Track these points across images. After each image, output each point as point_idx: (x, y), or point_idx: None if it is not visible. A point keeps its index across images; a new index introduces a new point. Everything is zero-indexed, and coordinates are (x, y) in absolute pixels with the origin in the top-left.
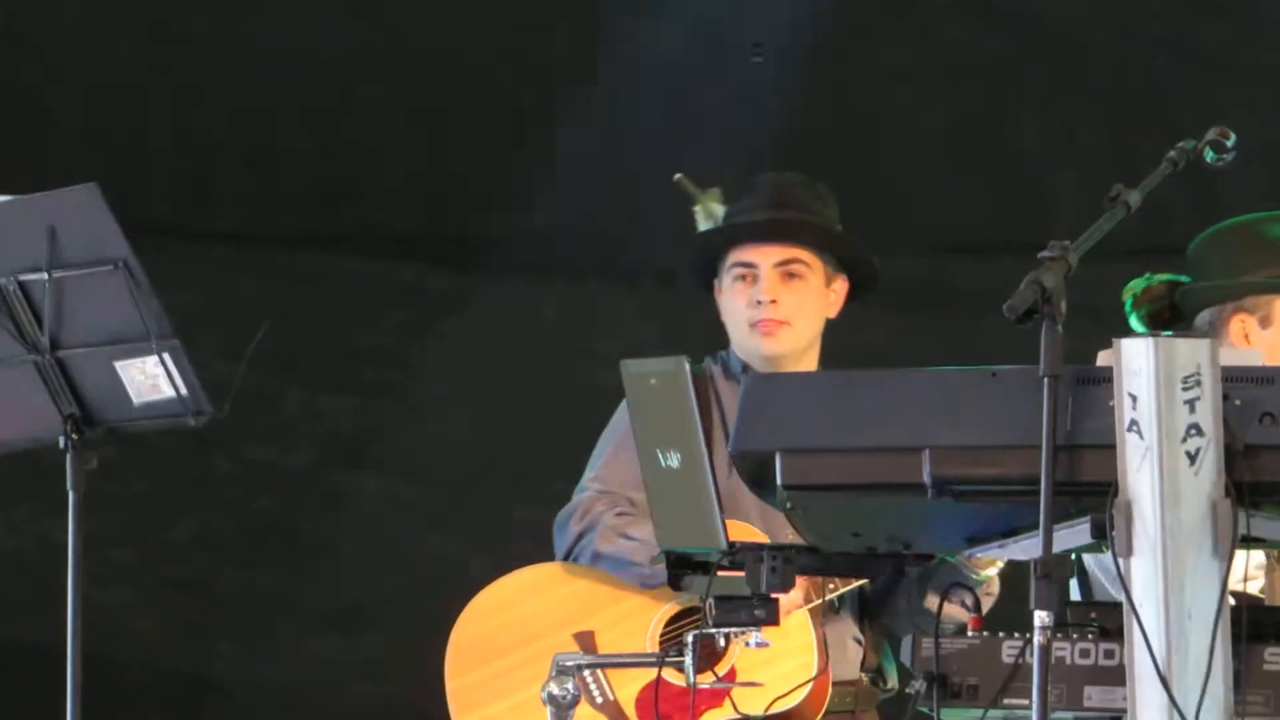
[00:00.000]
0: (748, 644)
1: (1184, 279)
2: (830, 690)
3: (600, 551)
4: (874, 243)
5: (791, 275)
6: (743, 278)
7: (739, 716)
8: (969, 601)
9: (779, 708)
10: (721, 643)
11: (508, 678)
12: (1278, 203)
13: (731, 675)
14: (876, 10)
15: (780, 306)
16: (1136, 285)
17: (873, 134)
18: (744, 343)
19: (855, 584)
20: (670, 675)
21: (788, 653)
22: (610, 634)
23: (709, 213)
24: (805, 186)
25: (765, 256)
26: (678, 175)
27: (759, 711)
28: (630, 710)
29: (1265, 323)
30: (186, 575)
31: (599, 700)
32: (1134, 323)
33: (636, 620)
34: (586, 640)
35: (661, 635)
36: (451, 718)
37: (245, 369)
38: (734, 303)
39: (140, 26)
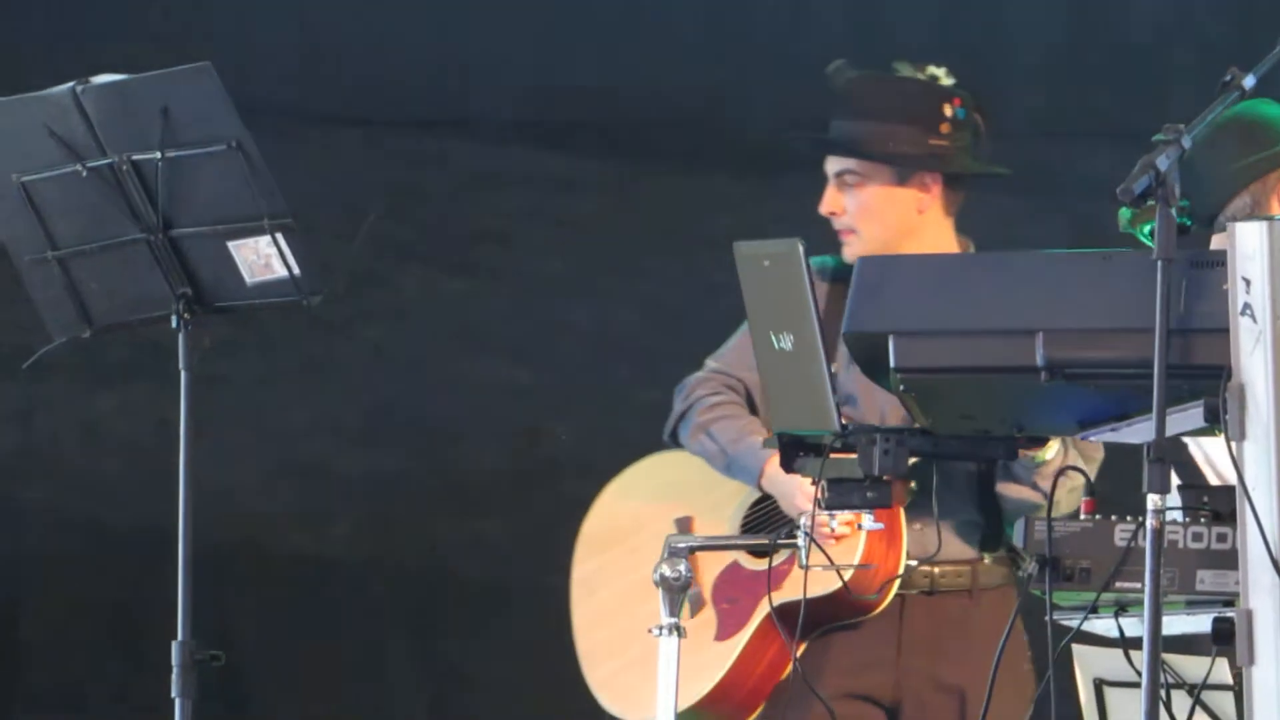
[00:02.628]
0: (859, 526)
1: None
2: (903, 573)
3: (690, 446)
4: (992, 128)
5: (847, 185)
6: (827, 186)
7: (798, 598)
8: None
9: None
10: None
11: (615, 565)
12: None
13: (792, 560)
14: None
15: (842, 217)
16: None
17: (990, 19)
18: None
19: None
20: (744, 560)
21: (854, 537)
22: (704, 520)
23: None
24: (885, 86)
25: (830, 166)
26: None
27: (822, 593)
28: (709, 594)
29: None
30: (302, 458)
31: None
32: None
33: (725, 508)
34: (685, 526)
35: (743, 519)
36: (571, 605)
37: (358, 250)
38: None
39: None
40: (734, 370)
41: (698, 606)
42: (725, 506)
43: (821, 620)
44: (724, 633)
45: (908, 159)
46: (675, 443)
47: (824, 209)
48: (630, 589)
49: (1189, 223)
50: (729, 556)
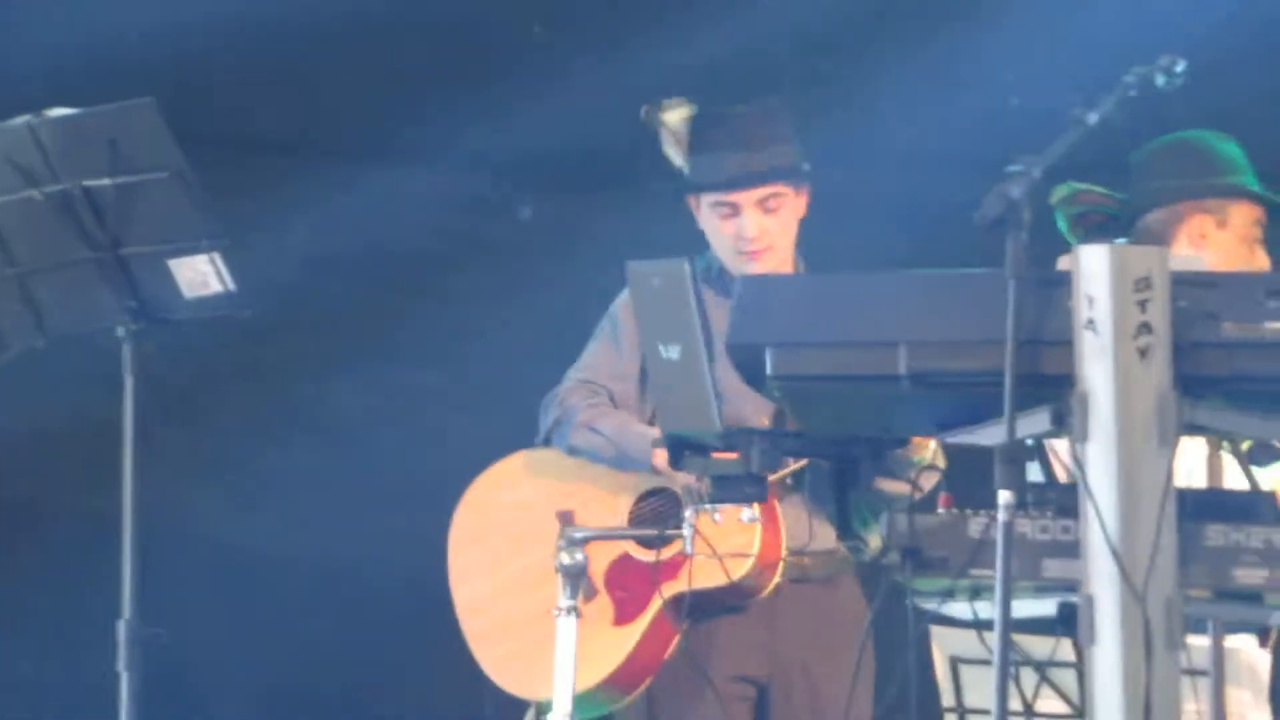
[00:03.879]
0: (740, 518)
1: (1100, 190)
2: (784, 561)
3: (574, 445)
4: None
5: (770, 209)
6: (725, 215)
7: (692, 589)
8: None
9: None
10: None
11: (497, 553)
12: None
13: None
14: None
15: (763, 236)
16: (1061, 190)
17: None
18: (730, 262)
19: (797, 465)
20: (635, 551)
21: (736, 529)
22: (588, 512)
23: (674, 132)
24: (768, 117)
25: (746, 197)
26: (644, 108)
27: (711, 583)
28: (599, 581)
29: (1222, 225)
30: (230, 455)
31: None
32: (1061, 224)
33: (609, 500)
34: (568, 519)
35: (630, 512)
36: (451, 587)
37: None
38: (718, 232)
39: None
40: (599, 379)
41: (590, 594)
42: (609, 500)
43: (712, 606)
44: (622, 618)
45: (807, 174)
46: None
47: (753, 233)
48: (516, 576)
49: (1116, 215)
50: (619, 547)
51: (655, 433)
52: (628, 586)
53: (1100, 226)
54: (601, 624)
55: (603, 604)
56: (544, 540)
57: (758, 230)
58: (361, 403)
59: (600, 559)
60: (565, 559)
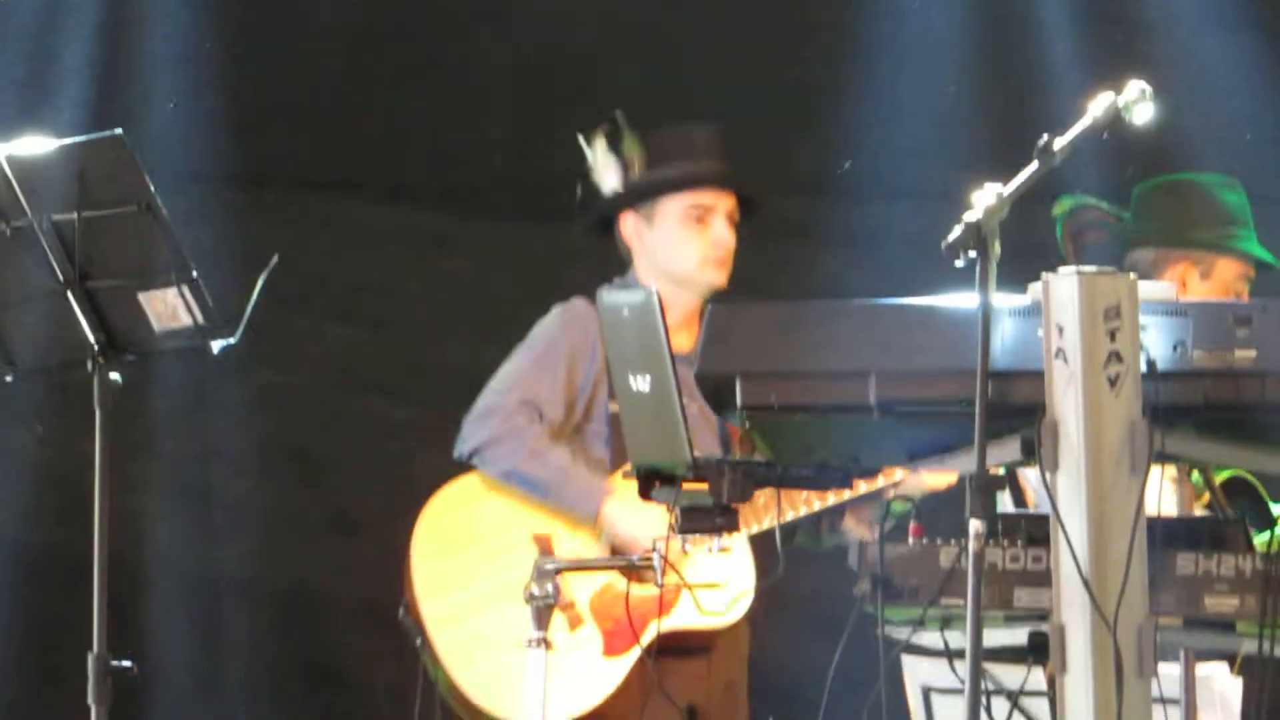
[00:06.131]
0: (709, 549)
1: (1105, 206)
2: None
3: (515, 469)
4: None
5: (732, 220)
6: (698, 219)
7: (685, 624)
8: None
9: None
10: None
11: (470, 569)
12: None
13: (677, 586)
14: None
15: (729, 246)
16: (1065, 203)
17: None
18: (691, 274)
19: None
20: (620, 581)
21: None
22: (566, 539)
23: (618, 153)
24: (718, 133)
25: (722, 202)
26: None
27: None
28: (586, 609)
29: (1205, 275)
30: (199, 485)
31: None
32: (1059, 233)
33: (585, 527)
34: (544, 543)
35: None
36: (417, 599)
37: (256, 301)
38: (685, 240)
39: None
40: (540, 402)
41: (577, 622)
42: (584, 526)
43: (690, 640)
44: (612, 649)
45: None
46: (468, 463)
47: (729, 238)
48: (493, 591)
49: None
50: (603, 574)
51: (608, 486)
52: (619, 618)
53: (1098, 246)
54: (591, 654)
55: (590, 634)
56: (520, 557)
57: (729, 241)
58: (329, 434)
59: (584, 587)
60: (535, 590)
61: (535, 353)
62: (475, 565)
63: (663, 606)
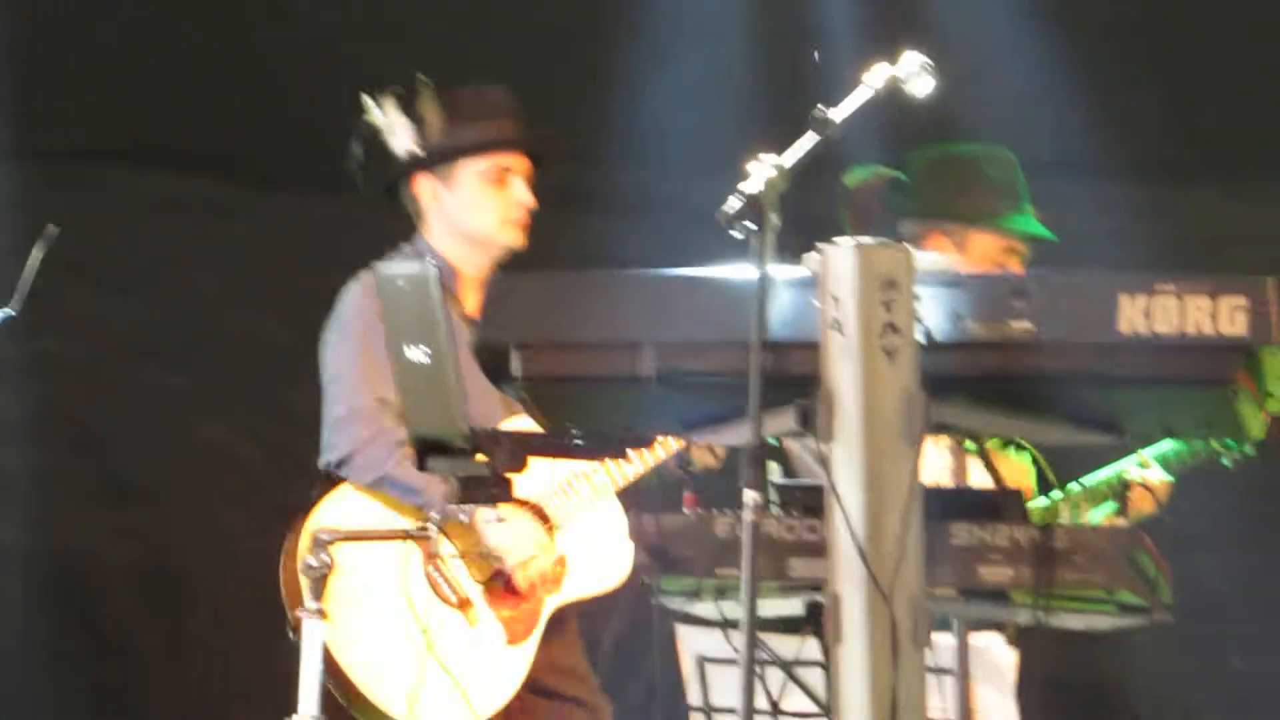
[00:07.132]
0: (485, 519)
1: (900, 175)
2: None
3: (390, 475)
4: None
5: (529, 181)
6: (498, 180)
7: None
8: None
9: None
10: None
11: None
12: None
13: (562, 562)
14: None
15: (530, 207)
16: (857, 175)
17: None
18: (491, 235)
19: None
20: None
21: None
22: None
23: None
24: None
25: (520, 163)
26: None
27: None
28: (483, 606)
29: (960, 248)
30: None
31: (454, 599)
32: (844, 205)
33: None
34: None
35: None
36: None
37: (33, 271)
38: (485, 200)
39: None
40: (387, 394)
41: (477, 618)
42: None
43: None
44: (515, 637)
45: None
46: (335, 473)
47: (529, 199)
48: (391, 608)
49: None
50: (490, 566)
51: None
52: (515, 604)
53: (883, 219)
54: (496, 645)
55: (491, 626)
56: (406, 566)
57: (530, 197)
58: (108, 403)
59: (476, 582)
60: (311, 560)
61: (356, 338)
62: (366, 581)
63: (552, 581)
